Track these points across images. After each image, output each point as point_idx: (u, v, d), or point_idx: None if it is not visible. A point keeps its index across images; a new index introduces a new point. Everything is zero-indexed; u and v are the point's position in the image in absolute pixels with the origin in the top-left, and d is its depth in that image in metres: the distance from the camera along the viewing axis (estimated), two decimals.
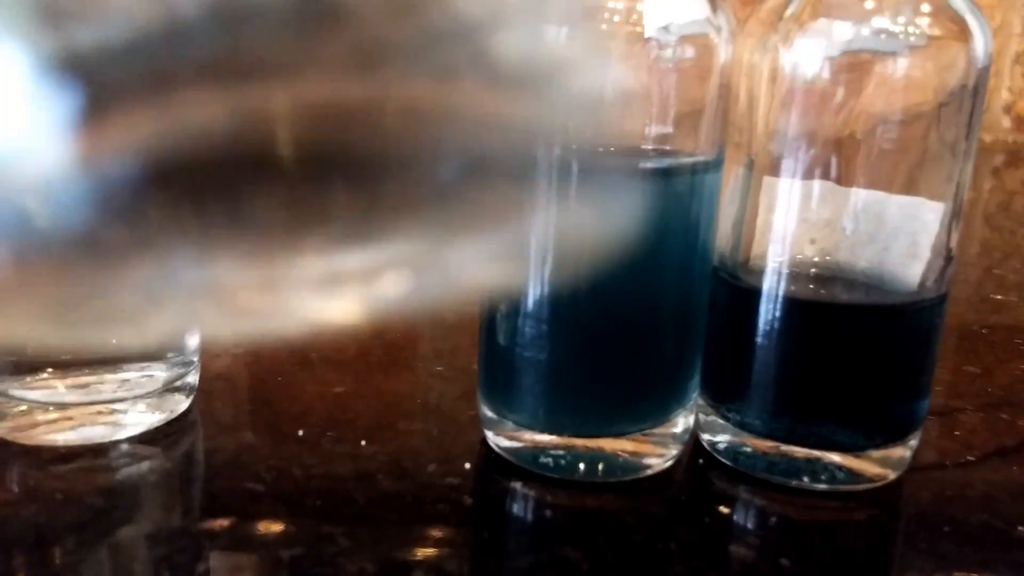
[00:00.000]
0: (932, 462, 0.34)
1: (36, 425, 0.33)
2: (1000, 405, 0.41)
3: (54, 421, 0.33)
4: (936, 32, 0.29)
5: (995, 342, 0.50)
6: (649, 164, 0.30)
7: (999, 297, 0.59)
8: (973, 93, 0.29)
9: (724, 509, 0.31)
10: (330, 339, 0.42)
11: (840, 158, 0.30)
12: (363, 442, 0.34)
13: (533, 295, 0.30)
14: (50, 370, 0.33)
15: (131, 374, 0.34)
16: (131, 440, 0.33)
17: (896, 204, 0.30)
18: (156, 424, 0.34)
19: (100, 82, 0.11)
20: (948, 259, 0.31)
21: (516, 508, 0.31)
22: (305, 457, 0.33)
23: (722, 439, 0.34)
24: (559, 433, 0.31)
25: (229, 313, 0.13)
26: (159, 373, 0.34)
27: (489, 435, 0.34)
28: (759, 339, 0.31)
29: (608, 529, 0.30)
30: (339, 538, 0.28)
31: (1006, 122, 1.31)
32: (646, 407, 0.32)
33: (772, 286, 0.31)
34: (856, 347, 0.31)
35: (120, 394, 0.34)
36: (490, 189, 0.17)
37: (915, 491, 0.33)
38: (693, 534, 0.30)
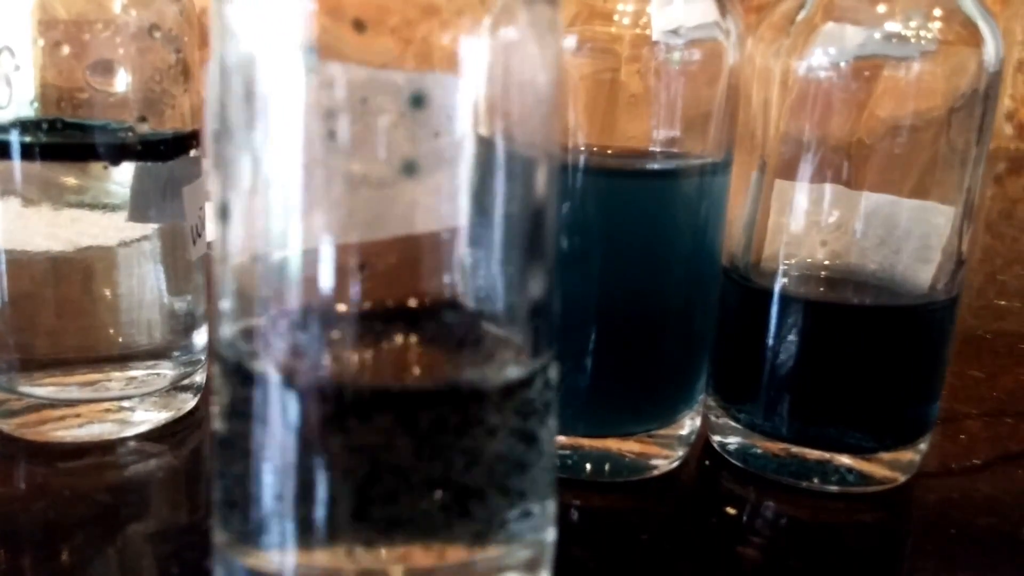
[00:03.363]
0: (938, 466, 0.35)
1: (44, 422, 0.33)
2: (1004, 410, 0.41)
3: (62, 418, 0.33)
4: (947, 37, 0.29)
5: (998, 348, 0.50)
6: (657, 166, 0.30)
7: (1002, 303, 0.60)
8: (984, 98, 0.30)
9: (732, 510, 0.31)
10: None
11: (851, 162, 0.30)
12: None
13: None
14: (58, 367, 0.33)
15: (139, 372, 0.34)
16: (139, 437, 0.34)
17: (907, 207, 0.30)
18: (163, 422, 0.34)
19: None
20: (959, 262, 0.31)
21: None
22: None
23: (732, 440, 0.34)
24: (566, 433, 0.31)
25: None
26: (167, 371, 0.34)
27: None
28: (770, 341, 0.31)
29: (615, 528, 0.30)
30: None
31: (1008, 129, 1.31)
32: (653, 408, 0.32)
33: (783, 288, 0.32)
34: (867, 349, 0.31)
35: (128, 392, 0.34)
36: None
37: (922, 494, 0.33)
38: (701, 534, 0.30)
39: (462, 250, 0.20)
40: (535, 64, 0.19)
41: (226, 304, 0.20)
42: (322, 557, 0.20)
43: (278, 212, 0.19)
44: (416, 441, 0.19)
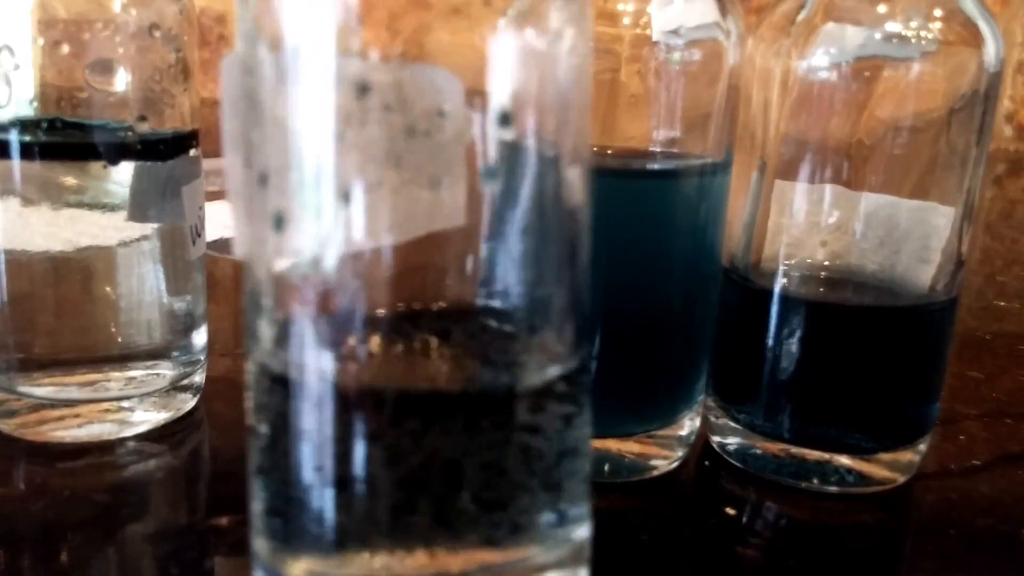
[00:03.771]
0: (937, 467, 0.35)
1: (44, 422, 0.33)
2: (1003, 411, 0.41)
3: (61, 418, 0.33)
4: (948, 37, 0.29)
5: (998, 349, 0.50)
6: (657, 166, 0.30)
7: (1002, 304, 0.60)
8: (984, 99, 0.30)
9: (731, 510, 0.31)
10: None
11: (851, 162, 0.30)
12: None
13: None
14: (58, 367, 0.33)
15: (138, 372, 0.34)
16: (138, 438, 0.34)
17: (907, 208, 0.30)
18: (163, 422, 0.34)
19: None
20: (959, 263, 0.31)
21: None
22: None
23: (732, 441, 0.34)
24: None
25: None
26: (166, 372, 0.34)
27: None
28: (770, 341, 0.31)
29: (615, 529, 0.30)
30: None
31: (1008, 131, 1.31)
32: (653, 408, 0.32)
33: (783, 288, 0.32)
34: (867, 350, 0.31)
35: (127, 392, 0.34)
36: None
37: (921, 495, 0.33)
38: (701, 535, 0.30)
39: (501, 251, 0.20)
40: (572, 66, 0.19)
41: (268, 310, 0.20)
42: (365, 561, 0.19)
43: (343, 219, 0.18)
44: (462, 443, 0.19)
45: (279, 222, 0.19)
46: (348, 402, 0.19)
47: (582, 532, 0.22)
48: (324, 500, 0.19)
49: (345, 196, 0.18)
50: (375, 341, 0.20)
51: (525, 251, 0.20)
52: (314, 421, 0.19)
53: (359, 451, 0.19)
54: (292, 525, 0.20)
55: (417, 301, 0.20)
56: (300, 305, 0.19)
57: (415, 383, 0.20)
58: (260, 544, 0.21)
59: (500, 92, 0.18)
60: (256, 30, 0.18)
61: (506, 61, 0.18)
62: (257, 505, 0.21)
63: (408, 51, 0.18)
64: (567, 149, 0.20)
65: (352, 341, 0.19)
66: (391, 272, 0.19)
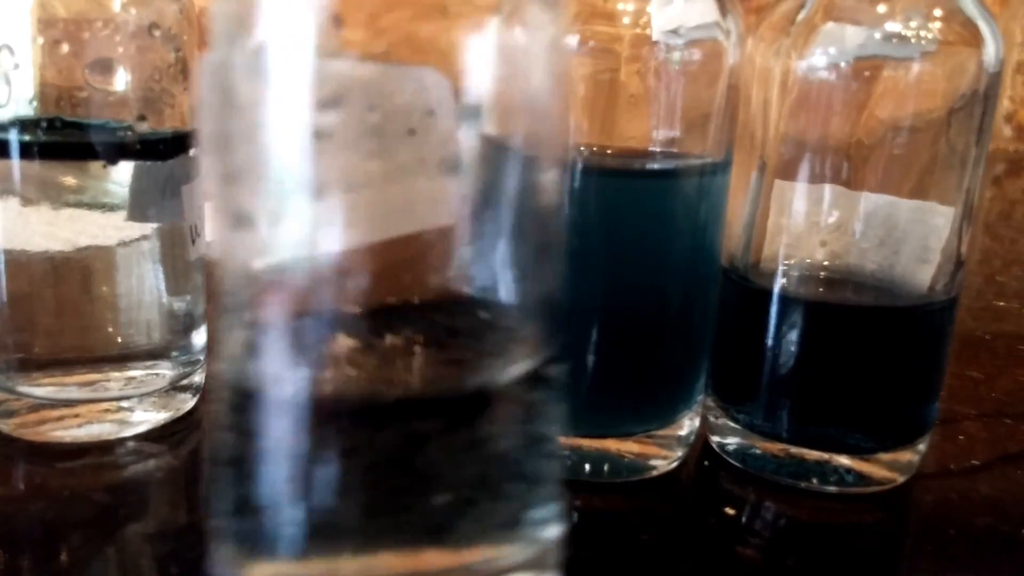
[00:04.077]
0: (936, 467, 0.35)
1: (43, 422, 0.33)
2: (1002, 411, 0.41)
3: (61, 418, 0.33)
4: (947, 37, 0.29)
5: (997, 349, 0.50)
6: (657, 166, 0.30)
7: (1001, 304, 0.60)
8: (984, 99, 0.30)
9: (731, 510, 0.31)
10: None
11: (851, 162, 0.31)
12: None
13: None
14: (57, 367, 0.33)
15: (138, 372, 0.34)
16: (137, 438, 0.34)
17: (906, 208, 0.30)
18: (162, 422, 0.34)
19: None
20: (958, 263, 0.31)
21: None
22: None
23: (731, 441, 0.34)
24: (565, 434, 0.31)
25: None
26: (165, 372, 0.34)
27: None
28: (769, 341, 0.31)
29: (615, 529, 0.30)
30: None
31: (1007, 131, 1.31)
32: (652, 408, 0.32)
33: (782, 288, 0.32)
34: (866, 350, 0.31)
35: (127, 392, 0.34)
36: None
37: (921, 495, 0.33)
38: (700, 534, 0.30)
39: (472, 248, 0.19)
40: (545, 64, 0.19)
41: (235, 312, 0.19)
42: (332, 565, 0.19)
43: (311, 217, 0.18)
44: (428, 444, 0.19)
45: (242, 220, 0.18)
46: (314, 404, 0.19)
47: (551, 532, 0.21)
48: (288, 503, 0.19)
49: (316, 196, 0.18)
50: (341, 341, 0.19)
51: (495, 248, 0.20)
52: (279, 423, 0.19)
53: (325, 452, 0.19)
54: (256, 528, 0.20)
55: (382, 301, 0.20)
56: (268, 306, 0.19)
57: (380, 383, 0.20)
58: (223, 549, 0.21)
59: (474, 90, 0.18)
60: (232, 31, 0.18)
61: (480, 59, 0.18)
62: (220, 508, 0.21)
63: (386, 50, 0.18)
64: (544, 148, 0.20)
65: (317, 342, 0.19)
66: (358, 271, 0.19)
